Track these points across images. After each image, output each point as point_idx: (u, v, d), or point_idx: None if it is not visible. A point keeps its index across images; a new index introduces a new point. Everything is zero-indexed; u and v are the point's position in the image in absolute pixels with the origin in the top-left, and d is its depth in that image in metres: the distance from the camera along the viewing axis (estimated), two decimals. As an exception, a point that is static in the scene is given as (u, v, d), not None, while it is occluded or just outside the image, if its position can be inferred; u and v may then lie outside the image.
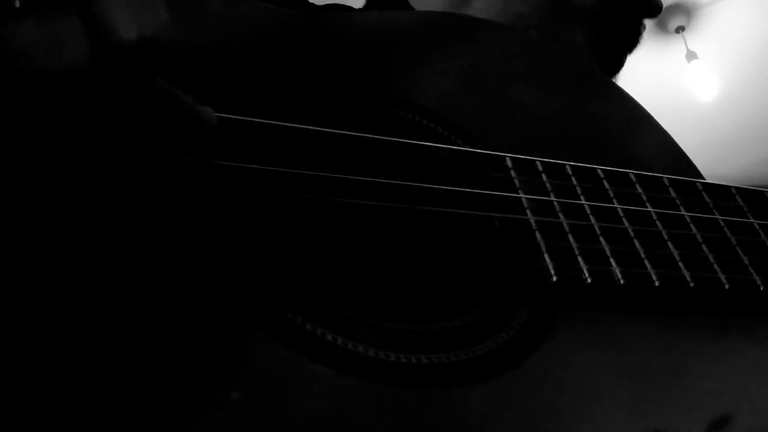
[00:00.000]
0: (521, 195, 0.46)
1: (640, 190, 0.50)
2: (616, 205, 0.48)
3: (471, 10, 0.75)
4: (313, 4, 0.74)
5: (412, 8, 0.77)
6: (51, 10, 0.28)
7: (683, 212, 0.50)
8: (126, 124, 0.32)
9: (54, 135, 0.31)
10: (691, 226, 0.49)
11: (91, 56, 0.29)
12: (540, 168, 0.48)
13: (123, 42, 0.30)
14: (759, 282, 0.47)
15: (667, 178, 0.52)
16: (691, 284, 0.45)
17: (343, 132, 0.43)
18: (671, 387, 0.40)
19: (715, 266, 0.47)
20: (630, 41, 0.86)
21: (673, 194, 0.51)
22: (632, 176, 0.51)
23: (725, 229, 0.50)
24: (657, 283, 0.44)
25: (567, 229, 0.45)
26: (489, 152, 0.48)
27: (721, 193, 0.53)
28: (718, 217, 0.51)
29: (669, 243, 0.47)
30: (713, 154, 2.84)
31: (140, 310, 0.33)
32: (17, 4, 0.28)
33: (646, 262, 0.45)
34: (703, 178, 0.56)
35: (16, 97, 0.28)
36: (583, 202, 0.47)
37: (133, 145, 0.33)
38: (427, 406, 0.35)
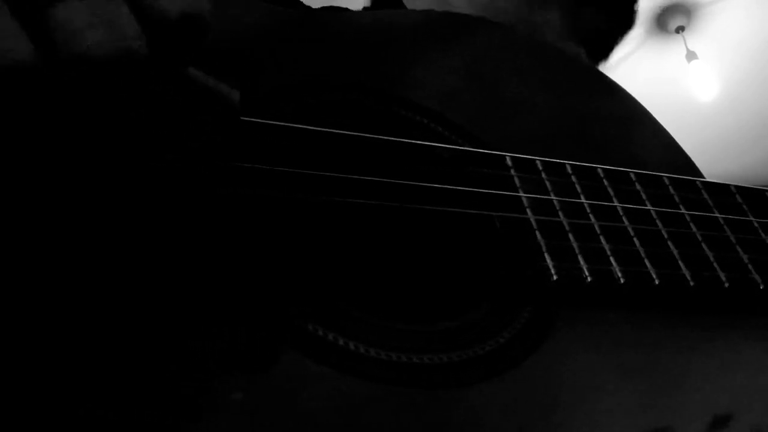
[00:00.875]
0: (521, 194, 0.46)
1: (640, 188, 0.50)
2: (616, 204, 0.48)
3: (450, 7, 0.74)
4: (309, 6, 0.74)
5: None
6: None
7: (683, 211, 0.50)
8: (161, 113, 0.32)
9: (94, 123, 0.31)
10: (691, 224, 0.49)
11: (142, 38, 0.29)
12: (540, 167, 0.48)
13: (169, 16, 0.30)
14: (759, 281, 0.47)
15: (667, 176, 0.52)
16: (692, 283, 0.45)
17: (344, 132, 0.43)
18: (672, 386, 0.40)
19: (715, 265, 0.47)
20: (621, 22, 0.83)
21: (673, 193, 0.51)
22: (632, 175, 0.51)
23: (725, 227, 0.50)
24: (657, 282, 0.44)
25: (567, 228, 0.45)
26: (489, 152, 0.48)
27: (721, 191, 0.53)
28: (718, 215, 0.51)
29: (669, 242, 0.47)
30: (713, 154, 2.83)
31: (139, 309, 0.33)
32: None
33: (646, 261, 0.45)
34: (703, 177, 0.56)
35: (67, 78, 0.28)
36: (583, 201, 0.47)
37: (163, 136, 0.33)
38: (430, 405, 0.35)
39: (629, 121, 0.60)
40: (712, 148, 2.83)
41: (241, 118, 0.39)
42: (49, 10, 0.28)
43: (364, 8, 0.81)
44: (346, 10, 0.69)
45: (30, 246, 0.31)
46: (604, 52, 0.84)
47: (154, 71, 0.31)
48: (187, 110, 0.34)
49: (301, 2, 0.75)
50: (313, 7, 0.69)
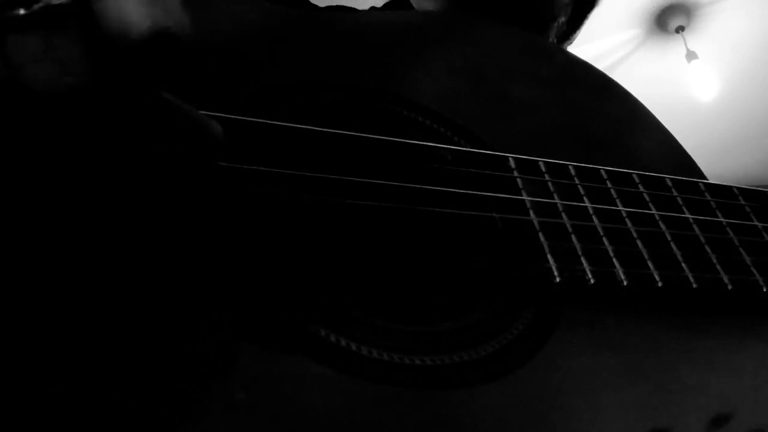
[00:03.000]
0: (524, 196, 0.46)
1: (642, 190, 0.50)
2: (619, 206, 0.48)
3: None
4: (315, 5, 0.74)
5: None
6: (57, 22, 0.28)
7: (686, 213, 0.50)
8: (130, 136, 0.31)
9: (51, 145, 0.30)
10: (694, 226, 0.49)
11: (95, 73, 0.28)
12: (543, 168, 0.48)
13: (136, 35, 0.28)
14: (762, 282, 0.47)
15: (669, 178, 0.52)
16: (694, 285, 0.45)
17: (345, 132, 0.43)
18: (673, 386, 0.40)
19: (718, 267, 0.47)
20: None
21: (676, 195, 0.51)
22: (635, 177, 0.51)
23: (728, 229, 0.50)
24: (660, 284, 0.44)
25: (570, 229, 0.45)
26: (492, 153, 0.47)
27: (723, 193, 0.53)
28: (720, 218, 0.51)
29: (672, 244, 0.47)
30: (713, 154, 2.84)
31: (143, 308, 0.33)
32: (21, 12, 0.27)
33: (649, 262, 0.45)
34: (705, 178, 0.56)
35: (15, 107, 0.28)
36: (586, 203, 0.47)
37: (135, 158, 0.32)
38: (432, 407, 0.35)
39: (631, 122, 0.60)
40: (712, 148, 2.83)
41: (239, 118, 0.39)
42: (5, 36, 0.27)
43: (371, 8, 0.81)
44: (353, 10, 0.69)
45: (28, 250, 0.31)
46: (581, 18, 0.82)
47: (124, 97, 0.30)
48: (156, 137, 0.32)
49: (309, 1, 0.75)
50: (321, 7, 0.69)
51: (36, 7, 0.27)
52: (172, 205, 0.34)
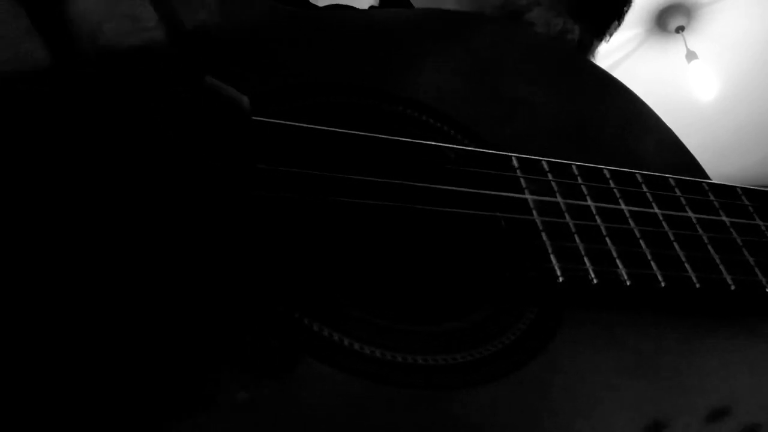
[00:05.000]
0: (527, 195, 0.45)
1: (646, 190, 0.50)
2: (622, 205, 0.48)
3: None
4: (314, 4, 0.74)
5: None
6: None
7: (689, 213, 0.50)
8: (177, 118, 0.32)
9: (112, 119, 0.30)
10: (697, 226, 0.49)
11: (160, 28, 0.29)
12: (546, 168, 0.48)
13: (182, 29, 0.30)
14: (764, 282, 0.47)
15: (673, 178, 0.52)
16: (697, 285, 0.45)
17: (347, 132, 0.43)
18: (673, 383, 0.40)
19: (721, 267, 0.47)
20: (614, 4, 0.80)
21: (679, 194, 0.51)
22: (638, 176, 0.51)
23: (731, 229, 0.50)
24: (663, 284, 0.44)
25: (573, 229, 0.45)
26: (495, 152, 0.47)
27: (726, 193, 0.53)
28: (724, 218, 0.51)
29: (675, 244, 0.47)
30: (713, 153, 2.84)
31: (140, 309, 0.32)
32: None
33: (652, 263, 0.45)
34: (709, 178, 0.56)
35: (86, 75, 0.28)
36: (589, 202, 0.47)
37: (178, 140, 0.33)
38: (435, 407, 0.35)
39: (634, 121, 0.60)
40: (712, 148, 2.83)
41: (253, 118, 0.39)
42: (64, 5, 0.28)
43: (371, 7, 0.80)
44: (352, 8, 0.69)
45: (44, 244, 0.31)
46: (601, 27, 0.81)
47: (174, 73, 0.30)
48: (204, 113, 0.33)
49: (308, 0, 0.74)
50: (320, 5, 0.69)
51: None
52: (181, 205, 0.34)
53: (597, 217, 0.46)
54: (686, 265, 0.46)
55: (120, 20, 0.28)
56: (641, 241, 0.46)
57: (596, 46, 0.82)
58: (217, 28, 0.31)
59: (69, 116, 0.29)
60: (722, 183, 0.54)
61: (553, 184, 0.47)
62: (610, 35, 0.83)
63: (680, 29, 2.58)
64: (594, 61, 0.82)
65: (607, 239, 0.45)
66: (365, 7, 0.73)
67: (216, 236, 0.35)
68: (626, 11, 0.82)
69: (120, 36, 0.28)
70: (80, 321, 0.31)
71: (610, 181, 0.49)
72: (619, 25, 0.83)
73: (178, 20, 0.30)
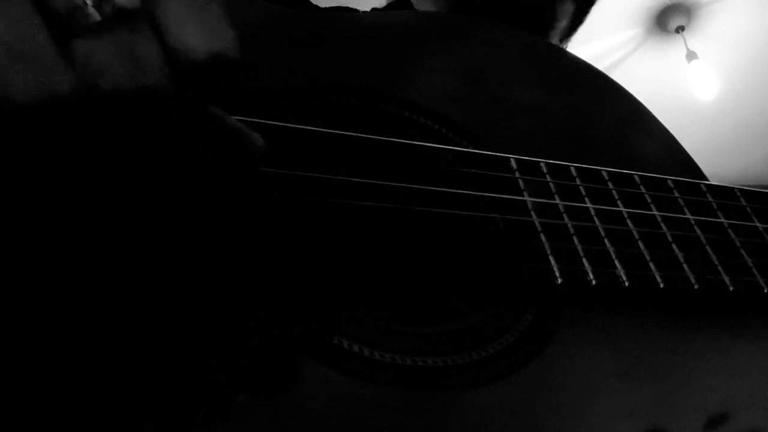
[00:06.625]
0: (526, 197, 0.46)
1: (644, 191, 0.50)
2: (620, 207, 0.48)
3: None
4: (316, 6, 0.74)
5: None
6: (125, 27, 0.28)
7: (687, 214, 0.50)
8: (177, 147, 0.31)
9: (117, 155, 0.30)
10: (695, 227, 0.49)
11: (168, 77, 0.28)
12: (544, 169, 0.48)
13: (196, 57, 0.29)
14: (762, 284, 0.47)
15: (671, 179, 0.52)
16: (696, 286, 0.45)
17: (345, 133, 0.43)
18: (672, 386, 0.40)
19: (720, 268, 0.47)
20: None
21: (677, 196, 0.51)
22: (636, 178, 0.51)
23: (729, 231, 0.50)
24: (662, 285, 0.44)
25: (572, 230, 0.45)
26: (494, 154, 0.47)
27: (725, 194, 0.53)
28: (722, 219, 0.51)
29: (674, 245, 0.47)
30: (713, 154, 2.84)
31: (140, 311, 0.33)
32: (94, 16, 0.27)
33: (650, 264, 0.45)
34: (706, 179, 0.56)
35: (92, 116, 0.27)
36: (587, 204, 0.47)
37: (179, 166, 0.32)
38: (434, 408, 0.35)
39: (632, 122, 0.60)
40: (712, 148, 2.83)
41: (244, 119, 0.39)
42: (72, 43, 0.27)
43: (374, 9, 0.80)
44: (354, 10, 0.69)
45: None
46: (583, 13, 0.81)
47: (175, 109, 0.30)
48: (204, 153, 0.32)
49: (309, 2, 0.75)
50: (322, 7, 0.69)
51: (107, 8, 0.27)
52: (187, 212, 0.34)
53: (595, 218, 0.46)
54: (685, 266, 0.46)
55: (125, 65, 0.27)
56: (640, 243, 0.46)
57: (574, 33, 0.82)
58: (232, 53, 0.31)
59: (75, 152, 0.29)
60: (720, 184, 0.54)
61: (552, 185, 0.47)
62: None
63: (680, 29, 2.58)
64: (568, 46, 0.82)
65: (606, 240, 0.45)
66: (367, 9, 0.73)
67: (219, 239, 0.35)
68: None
69: (121, 82, 0.27)
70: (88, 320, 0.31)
71: (609, 183, 0.49)
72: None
73: (190, 50, 0.29)
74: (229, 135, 0.33)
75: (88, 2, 0.27)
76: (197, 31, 0.29)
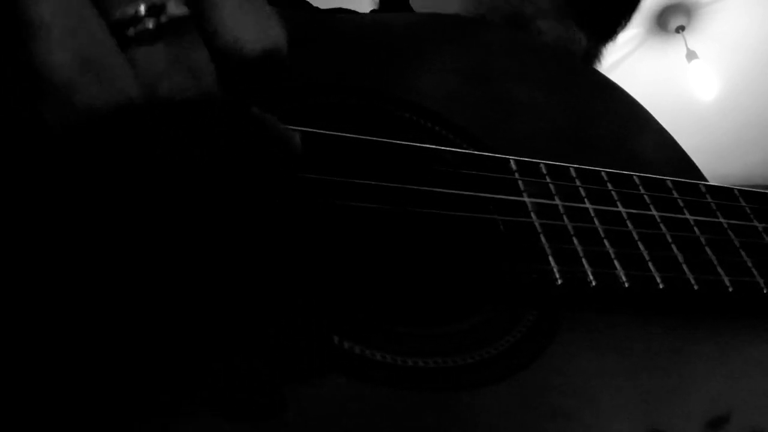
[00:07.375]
0: (526, 198, 0.46)
1: (643, 192, 0.50)
2: (620, 207, 0.48)
3: None
4: (317, 7, 0.74)
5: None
6: (178, 33, 0.28)
7: (687, 214, 0.50)
8: (223, 150, 0.31)
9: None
10: (695, 228, 0.49)
11: (216, 81, 0.28)
12: (544, 170, 0.48)
13: (249, 55, 0.29)
14: (762, 284, 0.47)
15: (670, 180, 0.52)
16: (695, 287, 0.45)
17: (345, 135, 0.43)
18: (672, 387, 0.40)
19: (719, 269, 0.47)
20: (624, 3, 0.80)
21: (677, 196, 0.51)
22: (636, 178, 0.51)
23: (729, 231, 0.50)
24: (661, 286, 0.44)
25: (571, 231, 0.45)
26: (493, 155, 0.48)
27: (724, 195, 0.53)
28: (721, 220, 0.51)
29: (673, 245, 0.47)
30: (713, 154, 2.83)
31: (142, 312, 0.33)
32: (150, 26, 0.27)
33: (650, 264, 0.45)
34: (706, 180, 0.56)
35: (154, 123, 0.27)
36: (587, 205, 0.47)
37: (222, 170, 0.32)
38: (437, 409, 0.35)
39: (631, 124, 0.60)
40: (712, 148, 2.83)
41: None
42: (128, 52, 0.27)
43: (372, 11, 0.81)
44: (353, 12, 0.69)
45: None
46: (607, 32, 0.81)
47: (222, 111, 0.29)
48: (245, 151, 0.32)
49: (309, 3, 0.75)
50: (321, 9, 0.69)
51: (163, 18, 0.27)
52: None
53: (595, 219, 0.46)
54: (684, 266, 0.46)
55: (181, 74, 0.27)
56: (639, 243, 0.46)
57: (602, 52, 0.82)
58: (284, 49, 0.31)
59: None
60: (719, 185, 0.54)
61: (552, 186, 0.47)
62: (617, 36, 0.83)
63: (680, 29, 2.58)
64: (599, 65, 0.82)
65: (606, 241, 0.45)
66: (366, 10, 0.73)
67: (215, 237, 0.36)
68: (632, 15, 0.82)
69: (178, 91, 0.27)
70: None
71: (608, 184, 0.50)
72: (625, 26, 0.83)
73: (245, 49, 0.29)
74: (271, 137, 0.33)
75: (142, 11, 0.27)
76: (251, 26, 0.29)
